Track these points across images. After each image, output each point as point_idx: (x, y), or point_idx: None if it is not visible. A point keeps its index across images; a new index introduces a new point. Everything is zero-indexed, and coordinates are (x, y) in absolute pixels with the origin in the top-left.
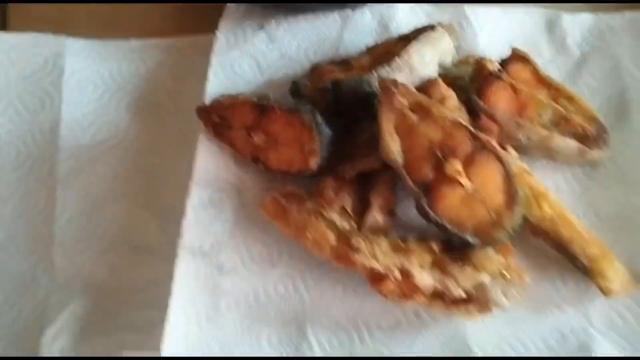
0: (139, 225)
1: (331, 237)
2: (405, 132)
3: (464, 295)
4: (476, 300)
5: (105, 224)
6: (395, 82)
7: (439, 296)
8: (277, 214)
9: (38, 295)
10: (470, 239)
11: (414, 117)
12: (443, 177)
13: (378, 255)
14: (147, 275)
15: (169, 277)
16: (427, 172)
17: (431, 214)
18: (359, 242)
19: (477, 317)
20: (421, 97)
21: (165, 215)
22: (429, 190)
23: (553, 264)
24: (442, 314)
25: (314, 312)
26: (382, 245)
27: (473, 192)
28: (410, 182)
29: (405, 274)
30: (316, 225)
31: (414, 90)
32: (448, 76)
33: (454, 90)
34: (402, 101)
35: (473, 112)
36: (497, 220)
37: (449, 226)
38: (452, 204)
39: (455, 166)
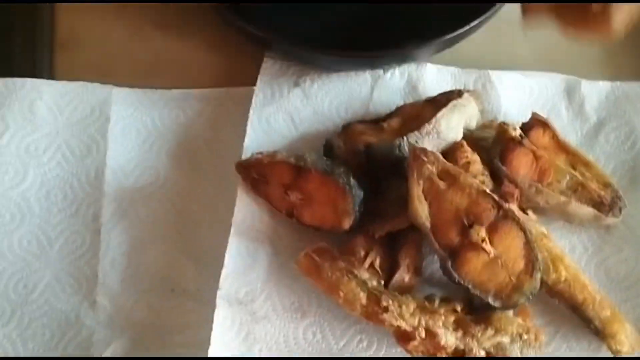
0: (177, 267)
1: (362, 296)
2: (433, 197)
3: (484, 354)
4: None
5: (146, 266)
6: (425, 151)
7: (461, 355)
8: (310, 270)
9: (82, 334)
10: (491, 301)
11: (442, 184)
12: (468, 243)
13: (405, 315)
14: (184, 317)
15: (204, 319)
16: (453, 237)
17: (455, 276)
18: (388, 302)
19: None
20: (449, 166)
21: (202, 259)
22: (454, 254)
23: (567, 323)
24: None
25: None
26: (410, 306)
27: (496, 257)
28: (436, 245)
29: (430, 334)
30: (348, 284)
31: (442, 158)
32: (472, 137)
33: (477, 152)
34: (431, 169)
35: (495, 175)
36: (518, 285)
37: (472, 289)
38: (475, 268)
39: (480, 233)
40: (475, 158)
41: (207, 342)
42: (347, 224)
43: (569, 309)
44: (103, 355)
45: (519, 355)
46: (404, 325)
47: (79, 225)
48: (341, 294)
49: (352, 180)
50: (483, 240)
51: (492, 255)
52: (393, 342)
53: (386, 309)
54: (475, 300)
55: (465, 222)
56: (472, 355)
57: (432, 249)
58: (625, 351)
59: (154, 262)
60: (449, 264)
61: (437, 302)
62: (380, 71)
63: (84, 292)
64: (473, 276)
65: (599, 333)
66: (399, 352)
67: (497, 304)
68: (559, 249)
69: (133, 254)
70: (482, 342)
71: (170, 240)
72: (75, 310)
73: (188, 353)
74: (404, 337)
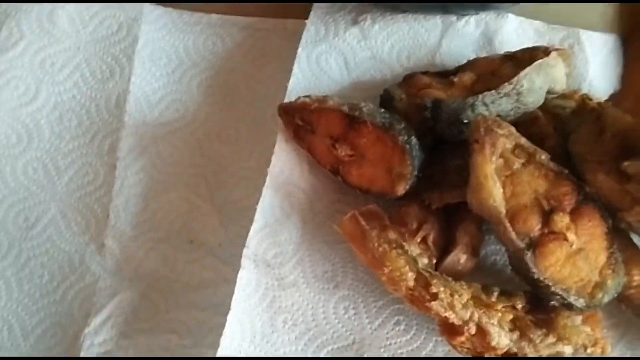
0: (199, 217)
1: (410, 277)
2: (507, 178)
3: None
4: None
5: (163, 212)
6: (498, 122)
7: (511, 358)
8: (354, 235)
9: (85, 280)
10: (573, 300)
11: (517, 162)
12: (550, 232)
13: (456, 306)
14: (202, 273)
15: (224, 280)
16: (533, 225)
17: (535, 271)
18: (439, 288)
19: None
20: (524, 141)
21: (228, 210)
22: (534, 244)
23: (635, 329)
24: None
25: (373, 342)
26: (463, 296)
27: (578, 249)
28: (512, 235)
29: (481, 331)
30: (396, 260)
31: (516, 132)
32: (548, 106)
33: (552, 123)
34: (505, 143)
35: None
36: (601, 281)
37: (552, 286)
38: (558, 261)
39: (565, 221)
40: (550, 132)
41: (225, 305)
42: (401, 189)
43: (637, 316)
44: (107, 306)
45: None
46: (453, 317)
47: (92, 157)
48: (386, 270)
49: (413, 138)
50: (568, 228)
51: (574, 247)
52: (435, 331)
53: (435, 297)
54: (550, 300)
55: (546, 207)
56: None
57: (503, 238)
58: None
59: (173, 208)
60: (527, 256)
61: (495, 295)
62: (454, 17)
63: (92, 233)
64: (554, 271)
65: None
66: (440, 342)
67: (579, 303)
68: (636, 248)
69: (150, 196)
70: (539, 349)
71: (193, 186)
72: (80, 252)
73: (201, 314)
74: (450, 330)
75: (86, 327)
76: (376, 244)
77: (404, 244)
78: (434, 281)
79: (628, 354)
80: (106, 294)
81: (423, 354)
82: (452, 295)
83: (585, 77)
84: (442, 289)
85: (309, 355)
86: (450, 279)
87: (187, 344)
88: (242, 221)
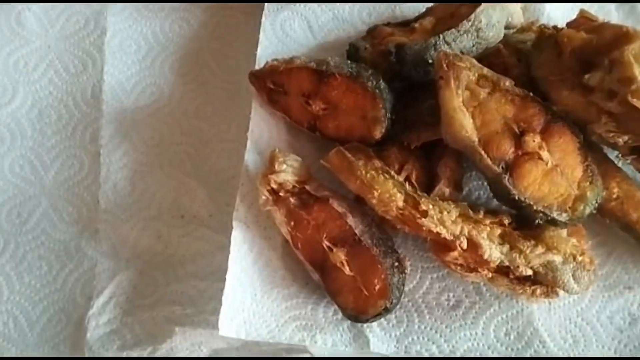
0: (186, 192)
1: (399, 198)
2: (475, 108)
3: (531, 273)
4: (543, 282)
5: (151, 191)
6: (458, 56)
7: (503, 272)
8: (341, 167)
9: (84, 265)
10: (557, 215)
11: (483, 92)
12: (523, 153)
13: (446, 222)
14: (196, 245)
15: (218, 248)
16: (506, 149)
17: (514, 192)
18: (428, 206)
19: (541, 301)
20: (486, 71)
21: (213, 182)
22: (510, 167)
23: (622, 244)
24: (505, 291)
25: None
26: (452, 213)
27: (554, 166)
28: (488, 161)
29: (473, 245)
30: (384, 183)
31: (477, 63)
32: (509, 42)
33: (517, 59)
34: (469, 75)
35: (534, 83)
36: (581, 194)
37: (534, 204)
38: (535, 180)
39: (536, 140)
40: (513, 62)
41: (222, 272)
42: (378, 132)
43: (622, 230)
44: (108, 288)
45: (570, 277)
46: (444, 232)
47: (76, 148)
48: (375, 193)
49: (382, 83)
50: (540, 147)
51: (550, 164)
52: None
53: (425, 214)
54: (535, 218)
55: (516, 130)
56: (519, 274)
57: (479, 166)
58: None
59: (161, 187)
60: (506, 179)
61: (482, 212)
62: None
63: (85, 220)
64: (533, 190)
65: None
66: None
67: (562, 218)
68: (611, 163)
69: (137, 178)
70: (530, 259)
71: (178, 163)
72: (75, 240)
73: (201, 284)
74: (442, 246)
75: (89, 310)
76: (364, 171)
77: (391, 171)
78: (423, 200)
79: (619, 269)
80: (106, 276)
81: (420, 293)
82: (441, 212)
83: (543, 11)
84: (431, 206)
85: (310, 304)
86: (437, 199)
87: (190, 312)
88: (228, 190)
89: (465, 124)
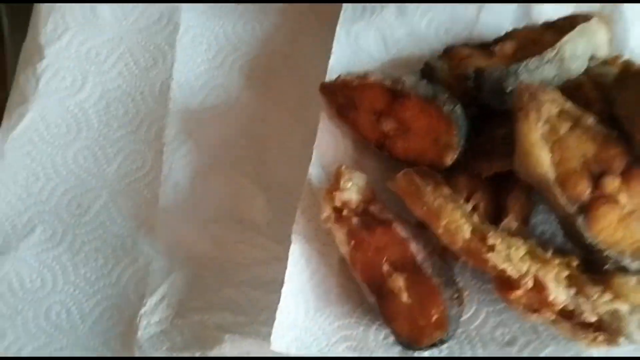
0: (245, 198)
1: (466, 229)
2: (554, 144)
3: (595, 320)
4: (607, 329)
5: (211, 193)
6: (542, 88)
7: (567, 316)
8: (409, 190)
9: (139, 262)
10: (628, 263)
11: (563, 127)
12: (600, 195)
13: (514, 259)
14: (252, 252)
15: (274, 257)
16: (584, 189)
17: (587, 235)
18: (496, 240)
19: (603, 347)
20: (569, 106)
21: (273, 189)
22: (585, 208)
23: None
24: (567, 335)
25: None
26: (520, 250)
27: (631, 211)
28: (563, 200)
29: (539, 285)
30: (452, 213)
31: (561, 97)
32: (590, 74)
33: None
34: (551, 109)
35: (614, 119)
36: None
37: (605, 250)
38: (610, 224)
39: (615, 183)
40: (595, 96)
41: (276, 283)
42: (449, 159)
43: None
44: (161, 287)
45: (636, 327)
46: (509, 270)
47: (140, 144)
48: (442, 222)
49: (458, 108)
50: (619, 191)
51: (627, 209)
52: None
53: (492, 248)
54: (605, 263)
55: (596, 170)
56: (582, 320)
57: (553, 204)
58: None
59: (221, 190)
60: (579, 221)
61: (550, 252)
62: None
63: (143, 217)
64: (607, 234)
65: None
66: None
67: (635, 266)
68: None
69: (198, 179)
70: (596, 306)
71: (239, 167)
72: (132, 235)
73: (254, 292)
74: (506, 284)
75: (142, 308)
76: (432, 198)
77: (460, 200)
78: (491, 233)
79: None
80: (160, 275)
81: (474, 325)
82: (509, 248)
83: (627, 45)
84: (499, 241)
85: (362, 326)
86: (505, 234)
87: (241, 321)
88: (289, 200)
89: (542, 159)
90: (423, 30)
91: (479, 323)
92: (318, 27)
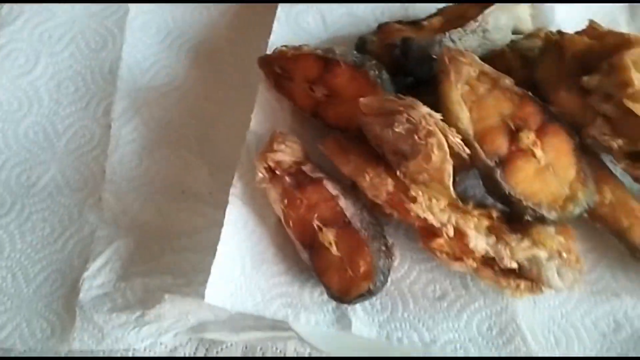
0: (189, 170)
1: (389, 182)
2: (473, 103)
3: (515, 266)
4: (528, 277)
5: (156, 167)
6: (461, 51)
7: (489, 265)
8: (336, 151)
9: (84, 231)
10: (546, 213)
11: (482, 87)
12: (517, 150)
13: (434, 209)
14: (194, 220)
15: (215, 224)
16: (501, 144)
17: (505, 187)
18: (418, 192)
19: (525, 295)
20: (487, 68)
21: (217, 163)
22: (503, 162)
23: (613, 251)
24: (490, 284)
25: None
26: (441, 201)
27: (547, 165)
28: (482, 154)
29: (459, 234)
30: (376, 167)
31: (479, 60)
32: (516, 48)
33: (522, 63)
34: (470, 71)
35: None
36: (572, 195)
37: (523, 200)
38: (527, 177)
39: (530, 138)
40: (516, 65)
41: (215, 247)
42: None
43: (613, 235)
44: (105, 253)
45: (554, 273)
46: (431, 219)
47: (88, 120)
48: (367, 177)
49: (384, 73)
50: (534, 145)
51: (543, 162)
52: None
53: (414, 200)
54: (525, 214)
55: (513, 127)
56: (502, 266)
57: (474, 160)
58: None
59: (166, 164)
60: (498, 174)
61: (471, 205)
62: None
63: (90, 188)
64: (524, 186)
65: None
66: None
67: (552, 216)
68: (606, 169)
69: (144, 153)
70: (515, 252)
71: (184, 143)
72: (78, 206)
73: (194, 257)
74: (429, 233)
75: (85, 272)
76: (356, 156)
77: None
78: (413, 186)
79: (607, 276)
80: (104, 242)
81: (407, 282)
82: (430, 199)
83: (553, 20)
84: (420, 193)
85: (297, 283)
86: (427, 186)
87: (181, 282)
88: (231, 171)
89: (461, 116)
90: (360, 12)
91: (411, 280)
92: (262, 12)
